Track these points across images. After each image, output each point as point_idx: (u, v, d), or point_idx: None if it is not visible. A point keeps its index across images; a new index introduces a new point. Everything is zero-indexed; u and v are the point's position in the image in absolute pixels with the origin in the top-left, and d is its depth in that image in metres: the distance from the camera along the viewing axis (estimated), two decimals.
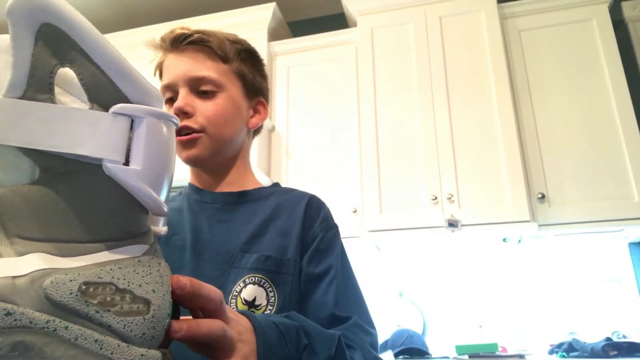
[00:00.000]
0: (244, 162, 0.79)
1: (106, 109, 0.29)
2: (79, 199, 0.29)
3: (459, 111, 1.86)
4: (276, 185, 0.81)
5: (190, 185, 0.79)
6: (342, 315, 0.63)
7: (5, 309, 0.24)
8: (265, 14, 2.19)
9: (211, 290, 0.38)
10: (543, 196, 1.73)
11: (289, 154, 2.02)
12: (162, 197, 0.31)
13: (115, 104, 0.30)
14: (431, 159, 1.82)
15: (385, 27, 2.06)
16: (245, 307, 0.62)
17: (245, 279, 0.63)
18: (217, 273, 0.65)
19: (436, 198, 1.75)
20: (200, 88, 0.71)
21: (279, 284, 0.64)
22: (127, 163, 0.29)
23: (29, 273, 0.25)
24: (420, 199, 1.79)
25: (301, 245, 0.68)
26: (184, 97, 0.69)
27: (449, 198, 1.75)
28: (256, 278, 0.63)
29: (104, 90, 0.29)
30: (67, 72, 0.29)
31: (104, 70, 0.29)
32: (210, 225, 0.71)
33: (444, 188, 1.77)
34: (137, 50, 2.24)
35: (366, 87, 1.98)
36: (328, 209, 0.75)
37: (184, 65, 0.71)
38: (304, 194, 0.76)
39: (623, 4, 2.06)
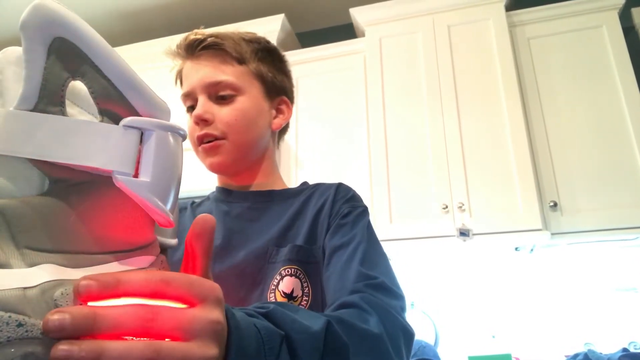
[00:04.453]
0: (270, 165, 0.78)
1: (116, 122, 0.30)
2: (89, 210, 0.29)
3: (469, 120, 1.86)
4: (304, 183, 0.80)
5: (219, 188, 0.78)
6: (370, 273, 0.58)
7: (16, 320, 0.24)
8: (274, 25, 2.21)
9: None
10: (555, 204, 1.71)
11: (298, 164, 2.02)
12: (170, 209, 0.31)
13: (125, 116, 0.30)
14: (441, 168, 1.81)
15: (393, 37, 2.07)
16: (284, 300, 0.61)
17: (281, 271, 0.63)
18: (253, 270, 0.64)
19: (447, 207, 1.74)
20: (218, 93, 0.70)
21: (311, 274, 0.63)
22: (136, 175, 0.29)
23: (39, 284, 0.26)
24: (431, 208, 1.77)
25: (327, 227, 0.67)
26: (202, 105, 0.68)
27: (460, 207, 1.73)
28: (292, 269, 0.63)
29: (114, 103, 0.30)
30: (74, 85, 0.30)
31: (114, 84, 0.30)
32: (242, 224, 0.70)
33: (455, 197, 1.76)
34: (146, 63, 2.28)
35: (375, 96, 1.99)
36: (357, 194, 0.74)
37: (200, 72, 0.70)
38: (332, 183, 0.75)
39: (633, 10, 2.05)
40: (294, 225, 0.69)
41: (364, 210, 0.71)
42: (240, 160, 0.72)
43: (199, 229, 0.35)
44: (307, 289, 0.62)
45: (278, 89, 0.77)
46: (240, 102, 0.71)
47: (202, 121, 0.68)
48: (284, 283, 0.62)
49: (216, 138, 0.68)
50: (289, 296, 0.61)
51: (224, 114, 0.69)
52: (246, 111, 0.71)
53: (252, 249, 0.66)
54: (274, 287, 0.62)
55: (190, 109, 0.72)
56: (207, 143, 0.69)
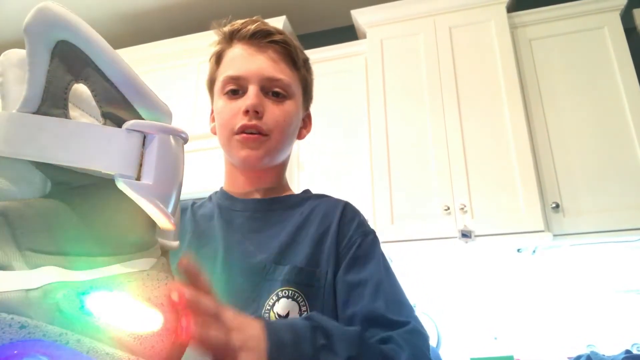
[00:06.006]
0: (282, 171, 0.79)
1: (118, 125, 0.30)
2: (91, 212, 0.29)
3: (471, 121, 1.86)
4: (307, 191, 0.80)
5: (222, 191, 0.77)
6: (400, 319, 0.59)
7: (19, 322, 0.24)
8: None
9: (207, 303, 0.37)
10: (557, 205, 1.70)
11: (299, 166, 2.02)
12: (172, 211, 0.31)
13: (127, 119, 0.30)
14: (443, 170, 1.81)
15: (394, 38, 2.07)
16: None
17: (277, 292, 0.61)
18: (249, 286, 0.63)
19: (448, 208, 1.74)
20: (272, 89, 0.70)
21: (311, 298, 0.62)
22: (138, 178, 0.29)
23: (41, 286, 0.26)
24: (433, 209, 1.77)
25: (335, 254, 0.66)
26: (256, 96, 0.68)
27: (462, 208, 1.73)
28: (290, 292, 0.61)
29: (117, 106, 0.30)
30: (76, 87, 0.30)
31: (117, 87, 0.30)
32: (242, 235, 0.69)
33: (457, 198, 1.76)
34: (148, 65, 2.28)
35: (376, 98, 1.99)
36: (363, 216, 0.73)
37: (261, 63, 0.70)
38: (338, 201, 0.74)
39: (635, 11, 2.04)
40: (295, 241, 0.67)
41: (374, 237, 0.70)
42: (271, 161, 0.72)
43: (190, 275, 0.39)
44: (305, 312, 0.61)
45: (310, 101, 0.80)
46: (289, 105, 0.71)
47: (254, 112, 0.67)
48: (280, 305, 0.60)
49: (261, 133, 0.68)
50: (284, 319, 0.60)
51: (275, 112, 0.69)
52: (292, 115, 0.72)
53: (250, 264, 0.65)
54: (268, 308, 0.60)
55: (231, 92, 0.70)
56: (249, 134, 0.68)
